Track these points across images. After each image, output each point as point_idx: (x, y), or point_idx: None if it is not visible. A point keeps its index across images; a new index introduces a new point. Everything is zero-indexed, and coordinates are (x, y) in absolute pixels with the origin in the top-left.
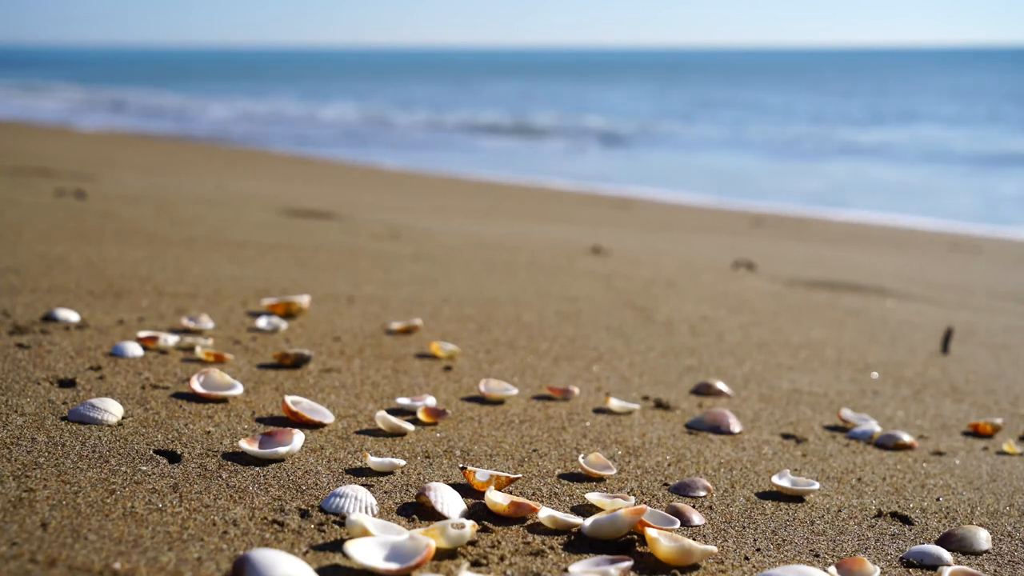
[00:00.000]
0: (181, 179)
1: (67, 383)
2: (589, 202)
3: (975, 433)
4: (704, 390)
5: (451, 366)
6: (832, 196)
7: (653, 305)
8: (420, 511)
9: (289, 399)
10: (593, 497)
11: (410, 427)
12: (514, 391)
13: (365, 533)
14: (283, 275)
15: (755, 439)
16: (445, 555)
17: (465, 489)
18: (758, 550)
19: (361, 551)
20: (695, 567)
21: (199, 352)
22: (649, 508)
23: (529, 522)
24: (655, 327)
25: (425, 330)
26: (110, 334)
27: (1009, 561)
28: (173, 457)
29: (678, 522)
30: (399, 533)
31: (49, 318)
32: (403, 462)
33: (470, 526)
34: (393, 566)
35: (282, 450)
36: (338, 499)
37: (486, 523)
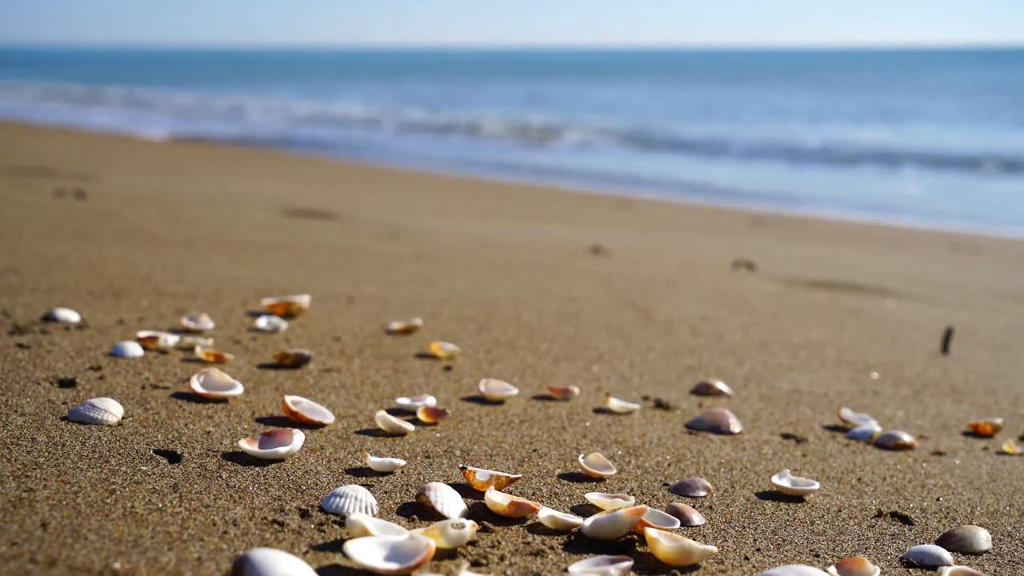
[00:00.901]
0: (181, 179)
1: (67, 383)
2: (589, 202)
3: (975, 433)
4: (704, 390)
5: (451, 366)
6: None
7: (653, 305)
8: (420, 511)
9: (289, 399)
10: (593, 497)
11: (410, 427)
12: (514, 391)
13: (365, 533)
14: (283, 275)
15: (755, 439)
16: (445, 555)
17: (465, 489)
18: (758, 550)
19: (361, 551)
20: (695, 567)
21: (199, 352)
22: (649, 508)
23: (529, 522)
24: (655, 327)
25: (425, 330)
26: (110, 334)
27: (1009, 561)
28: (173, 457)
29: (678, 522)
30: (399, 533)
31: (49, 318)
32: (403, 462)
33: (470, 526)
34: (393, 566)
35: (282, 450)
36: (338, 499)
37: (486, 523)
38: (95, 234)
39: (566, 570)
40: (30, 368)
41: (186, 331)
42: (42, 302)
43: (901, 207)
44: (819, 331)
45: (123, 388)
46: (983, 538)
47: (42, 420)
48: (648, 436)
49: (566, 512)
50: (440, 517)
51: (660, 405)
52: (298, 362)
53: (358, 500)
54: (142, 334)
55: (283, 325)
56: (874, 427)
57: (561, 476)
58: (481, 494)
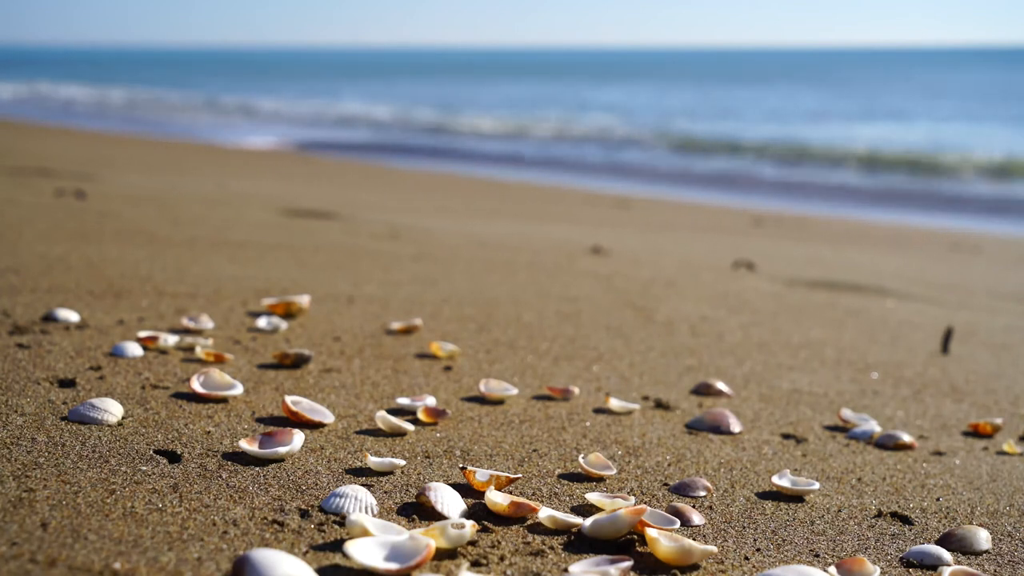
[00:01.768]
0: (181, 179)
1: (67, 383)
2: (590, 202)
3: (975, 433)
4: (704, 390)
5: (451, 366)
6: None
7: (653, 305)
8: (420, 511)
9: (289, 399)
10: (593, 497)
11: (410, 427)
12: (514, 391)
13: (365, 533)
14: (283, 275)
15: (755, 439)
16: (445, 555)
17: (465, 489)
18: (758, 550)
19: (361, 551)
20: (695, 567)
21: (199, 352)
22: (649, 508)
23: (529, 522)
24: (655, 327)
25: (425, 330)
26: (110, 334)
27: (1009, 561)
28: (173, 457)
29: (678, 522)
30: (399, 533)
31: (49, 318)
32: (403, 462)
33: (470, 526)
34: (393, 566)
35: (282, 450)
36: (338, 499)
37: (486, 523)
38: (95, 234)
39: (566, 570)
40: (30, 368)
41: (186, 331)
42: (42, 302)
43: (901, 207)
44: (819, 331)
45: (123, 388)
46: (983, 538)
47: (42, 420)
48: (648, 436)
49: (566, 512)
50: (440, 517)
51: (660, 405)
52: (298, 362)
53: (358, 500)
54: (142, 334)
55: (283, 325)
56: (874, 427)
57: (561, 476)
58: (481, 494)
